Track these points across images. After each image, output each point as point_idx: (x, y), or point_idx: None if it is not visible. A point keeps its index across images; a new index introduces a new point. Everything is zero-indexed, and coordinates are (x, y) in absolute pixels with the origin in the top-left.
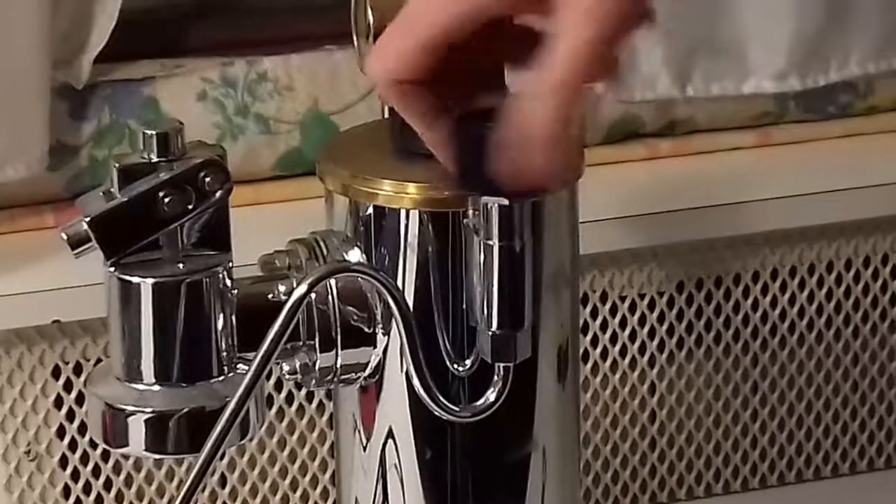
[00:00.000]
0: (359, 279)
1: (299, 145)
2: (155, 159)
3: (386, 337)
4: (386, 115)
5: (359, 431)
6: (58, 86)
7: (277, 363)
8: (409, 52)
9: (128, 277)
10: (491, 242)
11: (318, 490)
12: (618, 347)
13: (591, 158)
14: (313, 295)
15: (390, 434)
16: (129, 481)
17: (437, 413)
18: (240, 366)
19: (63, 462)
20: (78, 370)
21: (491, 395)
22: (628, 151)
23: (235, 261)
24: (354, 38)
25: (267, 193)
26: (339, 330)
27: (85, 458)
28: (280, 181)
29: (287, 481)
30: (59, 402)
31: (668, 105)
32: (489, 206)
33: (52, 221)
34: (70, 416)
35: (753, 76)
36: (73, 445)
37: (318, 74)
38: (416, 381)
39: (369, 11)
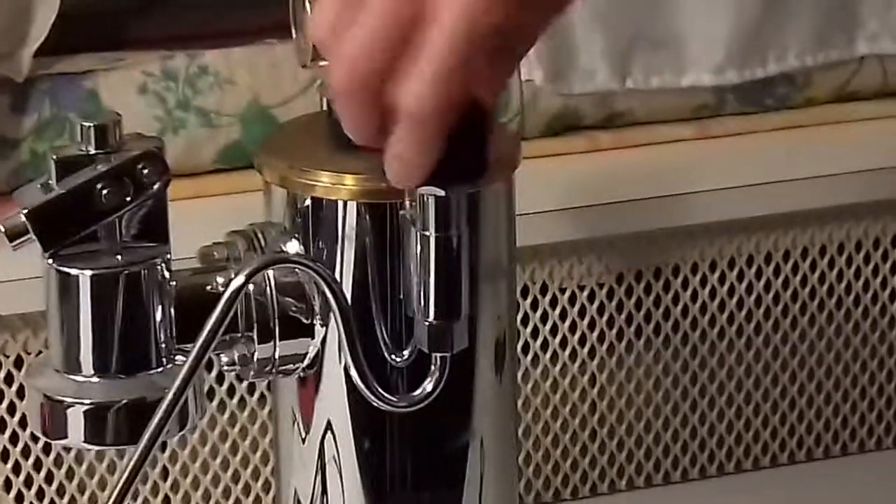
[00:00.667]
0: (297, 270)
1: (240, 138)
2: (93, 151)
3: (324, 328)
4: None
5: (298, 423)
6: None
7: (216, 354)
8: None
9: (66, 269)
10: (427, 233)
11: (260, 482)
12: (558, 339)
13: (531, 151)
14: (251, 286)
15: (329, 425)
16: (70, 474)
17: (374, 403)
18: (179, 357)
19: (4, 455)
20: (19, 363)
21: (428, 386)
22: (568, 144)
23: (177, 253)
24: (293, 32)
25: (208, 187)
26: (277, 321)
27: (26, 452)
28: (221, 174)
29: (229, 473)
30: None
31: (607, 98)
32: (426, 197)
33: None
34: (11, 409)
35: (692, 69)
36: (13, 439)
37: (258, 68)
38: (353, 372)
39: (307, 5)
